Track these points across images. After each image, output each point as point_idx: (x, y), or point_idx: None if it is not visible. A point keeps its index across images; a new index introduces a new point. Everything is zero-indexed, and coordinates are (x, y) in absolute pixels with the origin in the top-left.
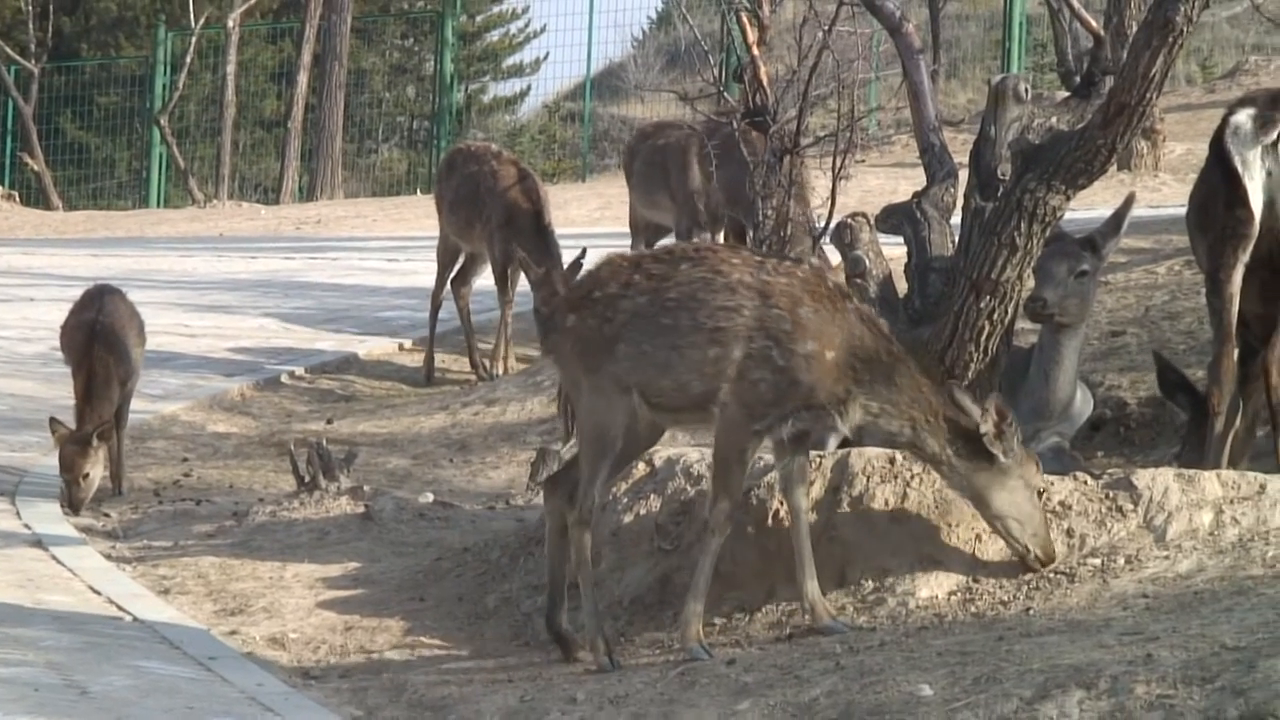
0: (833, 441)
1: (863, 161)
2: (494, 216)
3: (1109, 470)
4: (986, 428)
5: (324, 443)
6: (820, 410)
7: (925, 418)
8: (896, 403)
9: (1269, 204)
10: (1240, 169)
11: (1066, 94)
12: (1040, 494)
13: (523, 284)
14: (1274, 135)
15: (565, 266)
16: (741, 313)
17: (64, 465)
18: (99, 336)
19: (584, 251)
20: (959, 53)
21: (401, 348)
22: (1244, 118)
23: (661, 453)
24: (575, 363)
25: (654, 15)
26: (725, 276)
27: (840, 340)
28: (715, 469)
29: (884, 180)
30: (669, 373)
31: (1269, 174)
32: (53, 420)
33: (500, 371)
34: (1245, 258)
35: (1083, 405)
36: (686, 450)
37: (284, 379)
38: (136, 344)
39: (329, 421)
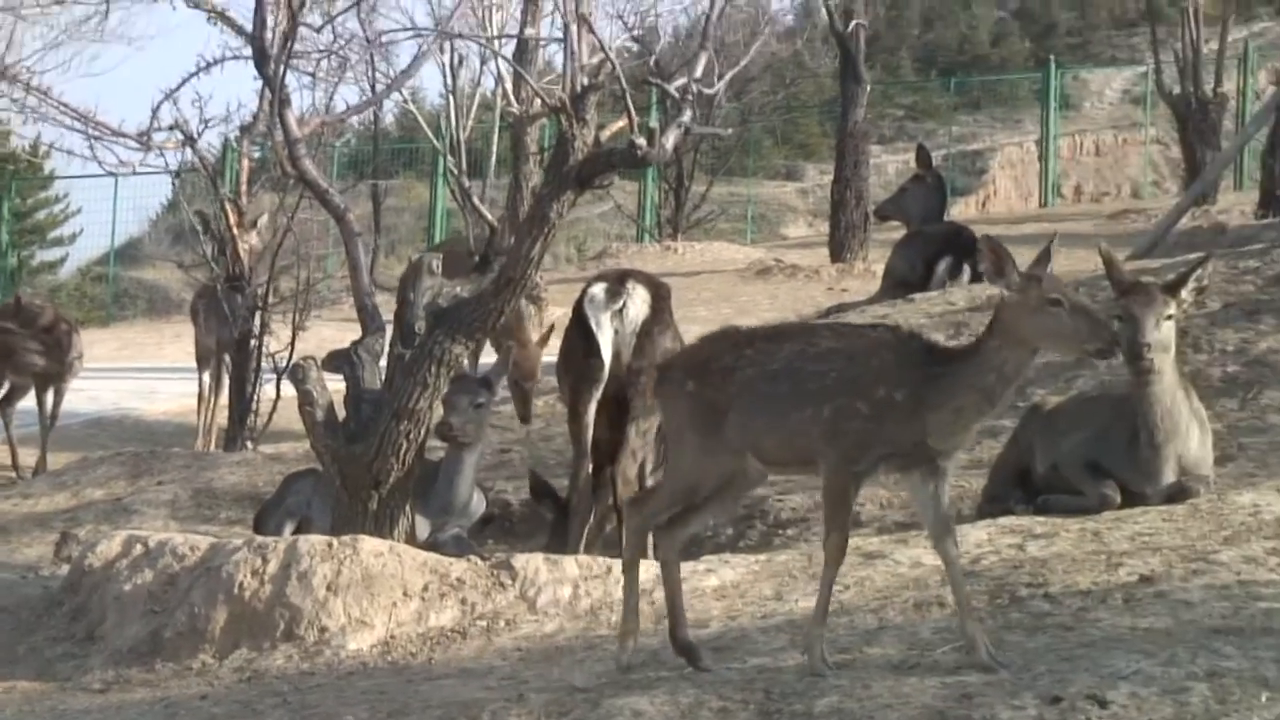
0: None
1: (319, 316)
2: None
3: (496, 554)
4: (985, 267)
5: None
6: (913, 447)
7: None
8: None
9: (616, 355)
10: (595, 328)
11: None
12: (1062, 302)
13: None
14: (620, 303)
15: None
16: (829, 375)
17: None
18: None
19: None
20: (396, 235)
21: None
22: (598, 289)
23: (155, 536)
24: (687, 422)
25: (164, 201)
26: (817, 347)
27: (907, 379)
28: (825, 508)
29: (335, 331)
30: (774, 434)
31: (616, 332)
32: None
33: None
34: (598, 395)
35: (478, 505)
36: (174, 535)
37: None
38: None
39: None
